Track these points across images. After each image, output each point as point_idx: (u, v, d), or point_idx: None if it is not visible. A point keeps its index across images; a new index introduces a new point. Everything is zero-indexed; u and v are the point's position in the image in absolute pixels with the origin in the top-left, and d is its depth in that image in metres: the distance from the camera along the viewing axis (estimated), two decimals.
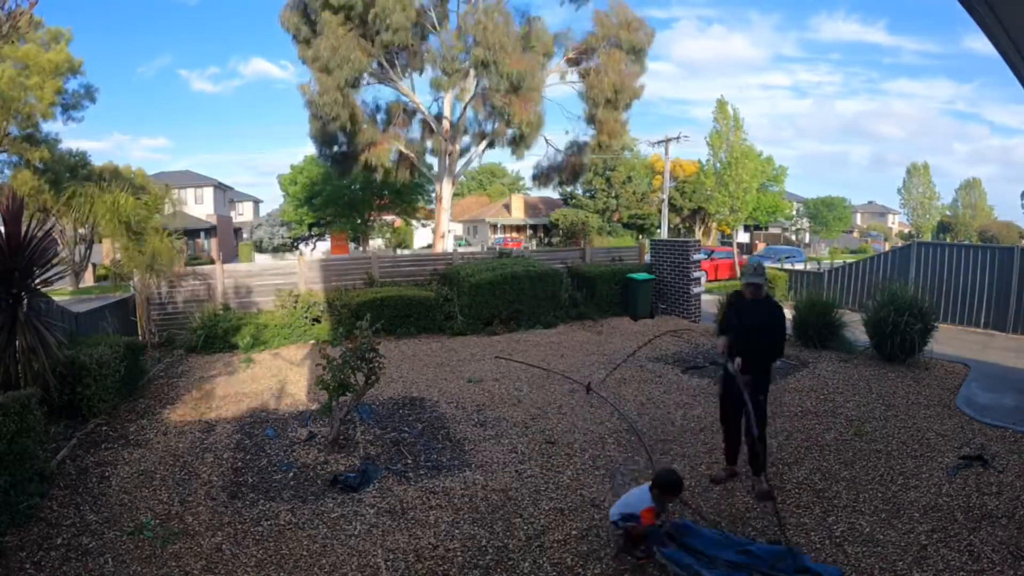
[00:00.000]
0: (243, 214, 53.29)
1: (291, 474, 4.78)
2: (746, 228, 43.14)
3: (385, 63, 21.18)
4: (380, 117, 22.99)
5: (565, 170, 24.24)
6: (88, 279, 25.22)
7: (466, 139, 23.60)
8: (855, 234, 56.89)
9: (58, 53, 19.82)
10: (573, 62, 22.64)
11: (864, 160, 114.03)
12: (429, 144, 24.03)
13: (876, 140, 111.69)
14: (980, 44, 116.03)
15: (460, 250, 20.65)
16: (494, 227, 44.05)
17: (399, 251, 33.42)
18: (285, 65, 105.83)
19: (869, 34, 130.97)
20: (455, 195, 28.12)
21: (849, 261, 17.25)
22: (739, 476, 4.64)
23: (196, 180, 41.75)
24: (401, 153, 22.98)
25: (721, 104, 23.08)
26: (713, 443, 5.36)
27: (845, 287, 14.18)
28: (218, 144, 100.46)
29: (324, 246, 39.76)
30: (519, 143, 21.80)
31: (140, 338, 9.36)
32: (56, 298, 7.60)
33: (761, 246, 38.55)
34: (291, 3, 20.85)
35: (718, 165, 23.53)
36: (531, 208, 44.22)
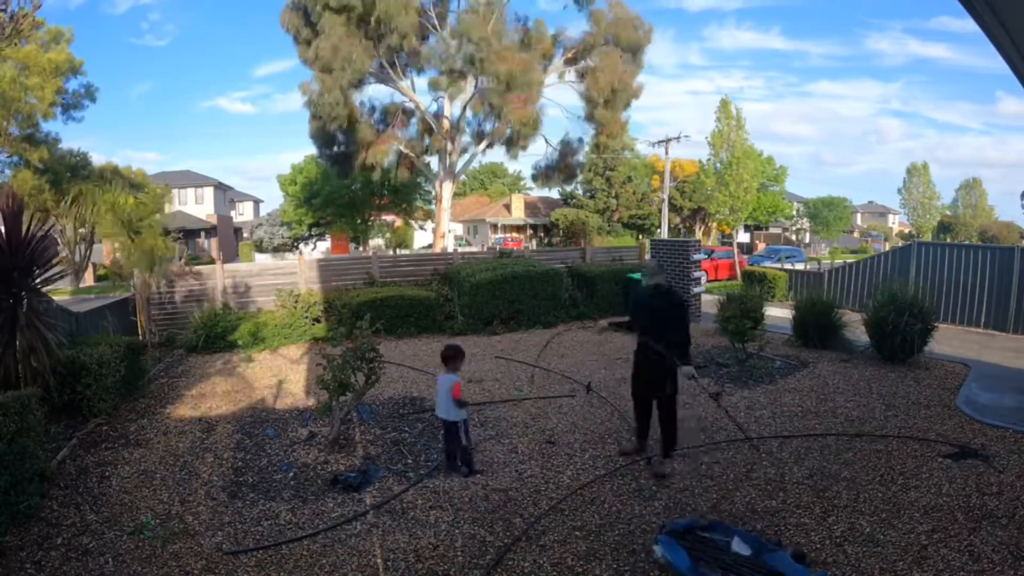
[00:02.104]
0: (243, 214, 53.31)
1: (291, 474, 4.78)
2: (746, 228, 43.15)
3: (386, 63, 21.19)
4: (379, 117, 23.03)
5: (562, 169, 24.28)
6: (88, 279, 25.22)
7: (466, 139, 23.67)
8: (855, 234, 56.88)
9: (59, 53, 19.85)
10: (572, 62, 22.68)
11: (802, 161, 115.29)
12: (429, 144, 24.06)
13: (810, 142, 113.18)
14: (886, 44, 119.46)
15: (461, 250, 20.66)
16: (494, 227, 44.02)
17: (399, 251, 33.39)
18: (243, 98, 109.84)
19: (767, 41, 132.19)
20: (455, 195, 28.13)
21: (849, 261, 17.25)
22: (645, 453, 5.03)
23: (196, 180, 41.78)
24: (401, 153, 23.00)
25: (724, 103, 23.07)
26: (714, 443, 5.36)
27: (845, 287, 14.18)
28: (208, 151, 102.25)
29: (324, 246, 39.77)
30: (516, 142, 21.84)
31: (140, 338, 9.37)
32: (56, 298, 7.61)
33: (761, 246, 38.55)
34: (291, 4, 20.87)
35: (719, 165, 23.52)
36: (531, 208, 44.20)
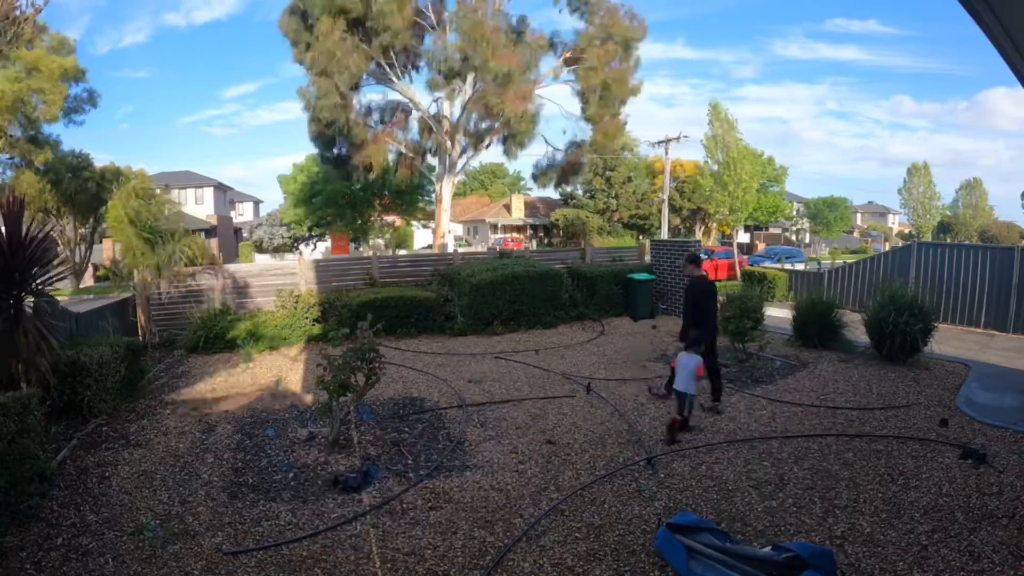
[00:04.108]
0: (243, 214, 53.35)
1: (291, 474, 4.78)
2: (746, 228, 43.12)
3: (384, 64, 21.20)
4: (379, 118, 23.03)
5: (563, 169, 24.28)
6: (88, 279, 25.22)
7: (465, 139, 23.65)
8: (855, 234, 56.91)
9: (66, 60, 19.93)
10: (570, 61, 22.68)
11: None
12: (429, 144, 24.06)
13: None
14: (793, 49, 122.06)
15: (461, 250, 20.65)
16: (494, 227, 44.04)
17: (399, 251, 33.39)
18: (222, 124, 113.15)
19: (674, 51, 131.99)
20: (455, 195, 28.13)
21: (849, 261, 17.25)
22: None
23: (196, 180, 41.82)
24: (401, 153, 23.00)
25: (715, 107, 23.06)
26: (713, 443, 5.36)
27: (845, 287, 14.18)
28: (201, 159, 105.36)
29: (324, 246, 39.76)
30: (515, 140, 21.84)
31: (140, 338, 9.37)
32: (56, 298, 7.62)
33: (761, 246, 38.55)
34: (289, 8, 20.92)
35: (715, 166, 23.49)
36: (531, 208, 44.23)
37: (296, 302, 10.06)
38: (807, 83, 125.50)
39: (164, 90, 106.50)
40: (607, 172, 37.64)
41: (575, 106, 23.84)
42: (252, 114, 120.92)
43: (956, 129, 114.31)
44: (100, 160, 23.64)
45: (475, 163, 30.72)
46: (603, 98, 21.55)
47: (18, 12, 7.96)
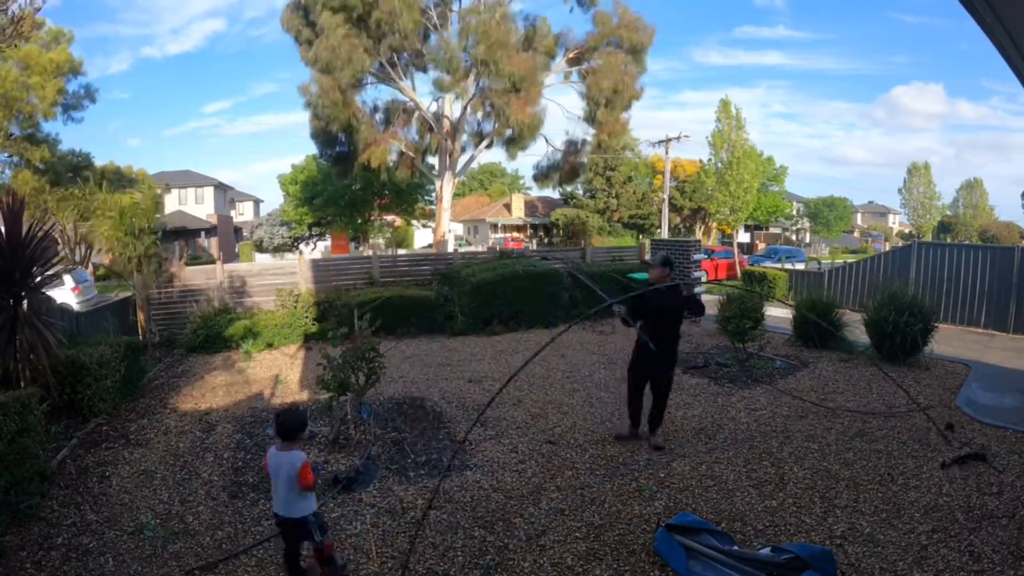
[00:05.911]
0: (243, 214, 53.34)
1: None
2: (746, 228, 43.14)
3: (386, 63, 21.18)
4: (381, 117, 22.99)
5: (563, 170, 24.26)
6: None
7: (466, 139, 23.64)
8: (856, 234, 56.88)
9: (60, 53, 19.85)
10: (574, 62, 22.67)
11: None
12: (430, 143, 24.04)
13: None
14: (714, 56, 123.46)
15: (461, 250, 20.65)
16: (494, 227, 44.04)
17: (399, 251, 33.40)
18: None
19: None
20: (455, 195, 28.10)
21: (849, 261, 17.24)
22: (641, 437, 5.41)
23: (197, 180, 41.76)
24: (401, 153, 22.98)
25: (724, 103, 23.07)
26: (713, 443, 5.37)
27: (845, 287, 14.18)
28: (197, 161, 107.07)
29: (324, 246, 39.78)
30: (517, 143, 21.83)
31: (140, 337, 9.37)
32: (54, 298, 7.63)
33: (762, 246, 38.54)
34: (292, 4, 20.93)
35: (719, 165, 23.51)
36: (531, 208, 44.19)
37: (296, 301, 10.06)
38: (745, 87, 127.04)
39: (150, 106, 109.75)
40: (607, 172, 37.63)
41: (576, 105, 23.79)
42: (231, 126, 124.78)
43: (879, 126, 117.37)
44: (101, 162, 23.62)
45: (476, 163, 30.71)
46: (609, 101, 21.55)
47: (16, 8, 7.89)
